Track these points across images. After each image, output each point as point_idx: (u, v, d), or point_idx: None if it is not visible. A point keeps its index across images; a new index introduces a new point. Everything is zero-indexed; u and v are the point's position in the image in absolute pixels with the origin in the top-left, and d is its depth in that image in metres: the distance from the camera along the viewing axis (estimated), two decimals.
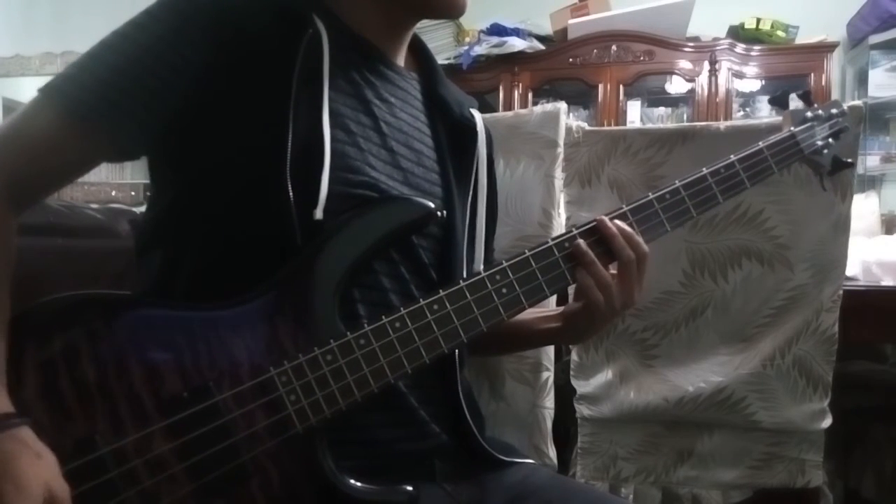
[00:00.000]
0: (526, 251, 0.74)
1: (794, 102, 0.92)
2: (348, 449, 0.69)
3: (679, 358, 1.18)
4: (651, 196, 0.78)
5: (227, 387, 0.64)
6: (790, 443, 1.17)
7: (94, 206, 1.32)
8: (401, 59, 0.85)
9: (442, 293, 0.70)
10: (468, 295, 0.71)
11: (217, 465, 0.63)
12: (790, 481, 1.17)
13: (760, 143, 0.85)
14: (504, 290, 0.72)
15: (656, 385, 1.18)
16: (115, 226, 1.27)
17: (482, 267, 0.88)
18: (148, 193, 0.80)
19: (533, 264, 0.74)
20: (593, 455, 1.23)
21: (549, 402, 1.13)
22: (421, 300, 0.70)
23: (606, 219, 0.76)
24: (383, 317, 0.68)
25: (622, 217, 0.77)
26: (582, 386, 1.22)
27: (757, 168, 0.83)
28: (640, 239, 0.76)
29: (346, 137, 0.73)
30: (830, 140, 0.91)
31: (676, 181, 0.80)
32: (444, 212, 0.79)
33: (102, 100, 0.68)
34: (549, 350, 1.13)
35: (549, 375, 1.13)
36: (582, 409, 1.22)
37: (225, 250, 0.71)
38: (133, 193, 4.22)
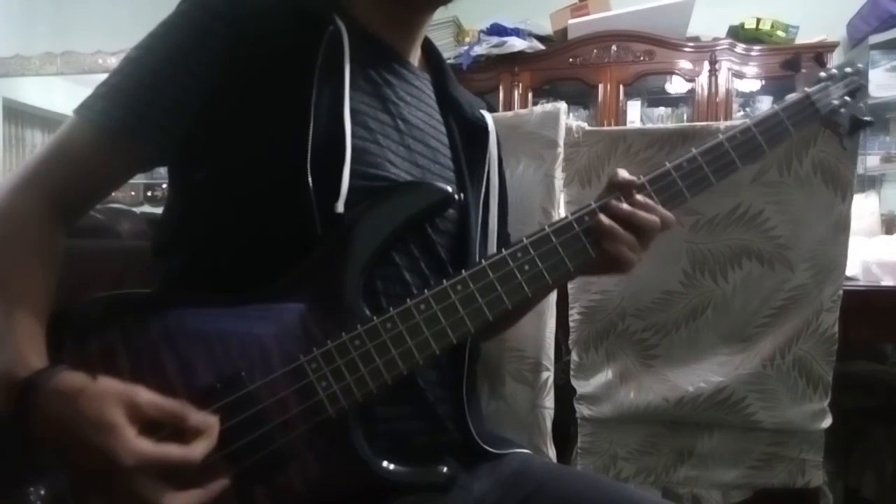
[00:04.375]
0: (546, 227, 0.74)
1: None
2: (370, 439, 0.70)
3: (679, 358, 1.18)
4: (668, 166, 0.78)
5: (259, 376, 0.66)
6: (790, 443, 1.17)
7: None
8: (415, 59, 0.87)
9: (465, 273, 0.71)
10: (490, 274, 0.71)
11: (254, 452, 0.64)
12: (790, 481, 1.17)
13: (776, 105, 0.84)
14: (526, 267, 0.72)
15: (656, 385, 1.18)
16: (115, 226, 1.28)
17: None
18: (141, 193, 0.82)
19: (553, 240, 0.74)
20: (593, 455, 1.23)
21: (549, 402, 1.13)
22: (444, 281, 0.70)
23: (618, 204, 0.75)
24: (408, 300, 0.69)
25: (640, 188, 0.77)
26: (582, 386, 1.22)
27: (774, 131, 0.82)
28: (662, 209, 0.76)
29: (366, 134, 0.75)
30: (847, 98, 0.89)
31: (693, 149, 0.79)
32: (462, 195, 0.80)
33: (130, 114, 0.71)
34: (549, 350, 1.13)
35: (549, 375, 1.13)
36: (582, 409, 1.22)
37: (247, 245, 0.72)
38: (133, 193, 4.22)
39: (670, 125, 2.17)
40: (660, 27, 3.25)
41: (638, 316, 1.18)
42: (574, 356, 1.23)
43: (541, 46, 3.40)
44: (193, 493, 0.60)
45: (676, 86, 3.47)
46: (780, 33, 3.30)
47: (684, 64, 3.31)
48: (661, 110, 3.53)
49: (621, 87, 3.37)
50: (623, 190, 0.76)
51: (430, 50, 0.90)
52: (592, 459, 1.22)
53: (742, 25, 3.33)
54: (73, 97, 0.73)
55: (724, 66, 3.27)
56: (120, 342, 0.65)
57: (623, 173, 0.77)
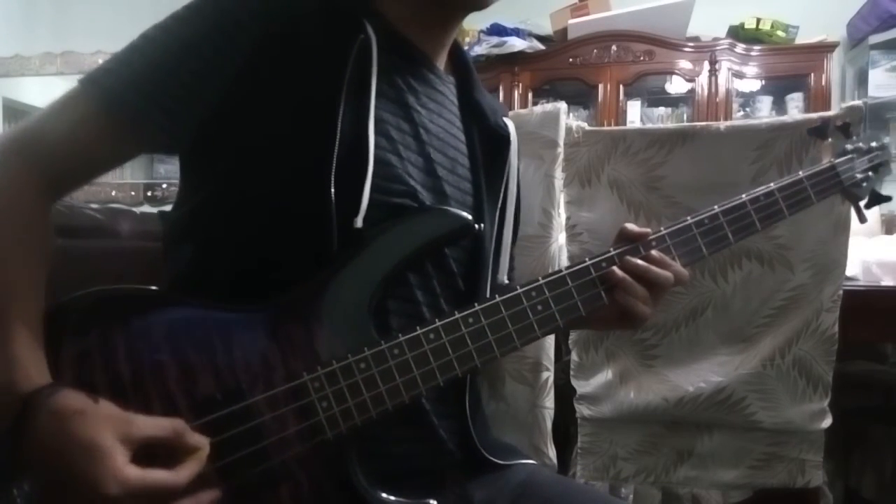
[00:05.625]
0: (563, 269, 0.74)
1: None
2: (364, 459, 0.68)
3: (679, 358, 1.18)
4: (690, 220, 0.79)
5: (260, 390, 0.64)
6: (790, 443, 1.17)
7: (94, 206, 1.32)
8: (442, 62, 0.84)
9: (477, 307, 0.70)
10: (503, 310, 0.71)
11: (246, 468, 0.63)
12: (790, 481, 1.17)
13: (801, 172, 0.85)
14: (539, 307, 0.72)
15: (656, 385, 1.18)
16: (115, 226, 1.28)
17: (505, 277, 0.89)
18: (141, 193, 0.80)
19: (569, 283, 0.74)
20: (593, 455, 1.23)
21: (549, 402, 1.13)
22: (456, 313, 0.69)
23: (633, 260, 0.76)
24: (418, 327, 0.68)
25: (660, 240, 0.77)
26: (582, 386, 1.22)
27: (796, 198, 0.83)
28: (677, 265, 0.77)
29: (387, 145, 0.73)
30: (870, 173, 0.92)
31: (716, 207, 0.80)
32: (483, 224, 0.79)
33: (137, 93, 0.67)
34: (550, 350, 1.13)
35: (549, 375, 1.13)
36: (582, 409, 1.22)
37: (259, 252, 0.70)
38: (133, 193, 4.22)
39: (670, 125, 2.17)
40: (660, 27, 3.25)
41: None
42: (574, 356, 1.23)
43: (541, 46, 3.40)
44: None
45: (676, 86, 3.47)
46: (780, 33, 3.30)
47: (684, 64, 3.31)
48: (661, 110, 3.53)
49: (621, 87, 3.37)
50: (639, 241, 0.77)
51: (457, 53, 0.87)
52: (592, 459, 1.22)
53: (742, 25, 3.33)
54: None
55: (724, 66, 3.26)
56: (119, 340, 0.63)
57: (632, 227, 0.78)
